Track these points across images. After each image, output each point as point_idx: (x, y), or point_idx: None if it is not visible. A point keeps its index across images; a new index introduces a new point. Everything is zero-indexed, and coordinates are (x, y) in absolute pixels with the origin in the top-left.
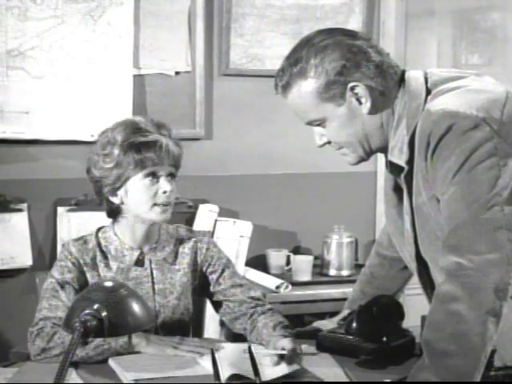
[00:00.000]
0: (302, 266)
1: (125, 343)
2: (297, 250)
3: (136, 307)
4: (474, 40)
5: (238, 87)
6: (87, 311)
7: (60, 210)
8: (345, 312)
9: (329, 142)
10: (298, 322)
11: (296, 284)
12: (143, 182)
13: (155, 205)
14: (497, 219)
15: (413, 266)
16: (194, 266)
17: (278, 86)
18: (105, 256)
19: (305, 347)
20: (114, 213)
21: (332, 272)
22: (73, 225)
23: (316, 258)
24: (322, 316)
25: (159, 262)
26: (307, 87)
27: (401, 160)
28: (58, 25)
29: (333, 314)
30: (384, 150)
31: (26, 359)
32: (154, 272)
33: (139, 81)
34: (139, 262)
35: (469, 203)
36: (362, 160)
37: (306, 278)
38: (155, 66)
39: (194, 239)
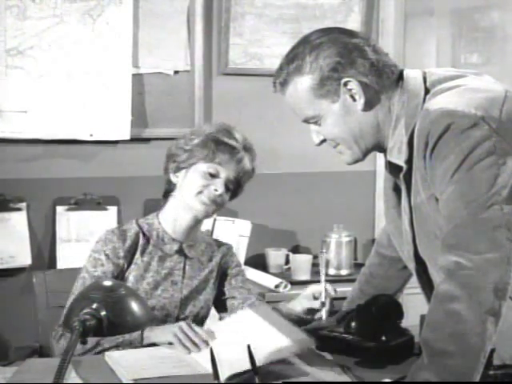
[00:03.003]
0: (301, 265)
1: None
2: (296, 249)
3: (135, 306)
4: (473, 39)
5: (237, 86)
6: (86, 310)
7: (59, 209)
8: (344, 311)
9: (325, 140)
10: (297, 321)
11: (295, 283)
12: (203, 172)
13: (200, 193)
14: (496, 218)
15: (411, 265)
16: (218, 268)
17: (276, 83)
18: (146, 240)
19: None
20: (167, 194)
21: (331, 271)
22: (72, 224)
23: (315, 257)
24: None
25: (193, 259)
26: (303, 84)
27: (400, 160)
28: (57, 24)
29: (332, 313)
30: (380, 149)
31: (25, 358)
32: (187, 267)
33: (138, 80)
34: (177, 254)
35: (468, 202)
36: (357, 159)
37: (305, 277)
38: (154, 65)
39: (219, 244)
